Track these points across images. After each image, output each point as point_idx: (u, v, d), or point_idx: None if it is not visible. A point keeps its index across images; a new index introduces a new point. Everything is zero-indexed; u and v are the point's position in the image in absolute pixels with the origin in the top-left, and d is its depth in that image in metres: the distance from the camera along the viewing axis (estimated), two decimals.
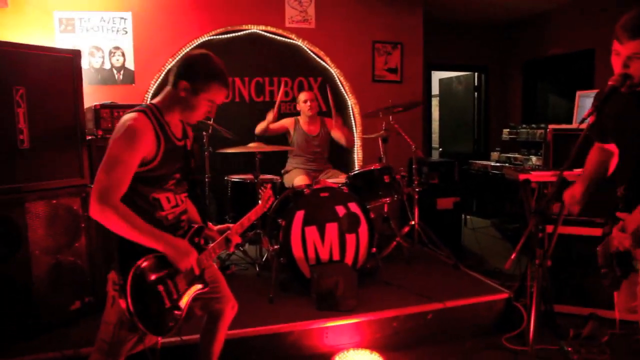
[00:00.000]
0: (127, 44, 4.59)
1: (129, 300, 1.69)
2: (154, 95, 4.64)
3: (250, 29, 4.95)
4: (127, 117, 1.81)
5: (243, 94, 4.99)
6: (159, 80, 4.70)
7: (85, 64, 4.42)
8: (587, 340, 3.00)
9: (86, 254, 3.00)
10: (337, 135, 4.53)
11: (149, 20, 4.66)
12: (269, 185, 2.55)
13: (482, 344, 3.04)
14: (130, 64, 4.61)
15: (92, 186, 1.73)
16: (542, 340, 2.97)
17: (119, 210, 1.68)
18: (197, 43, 4.77)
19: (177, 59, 2.00)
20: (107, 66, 4.55)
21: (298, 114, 4.60)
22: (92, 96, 4.10)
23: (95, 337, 1.87)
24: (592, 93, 3.28)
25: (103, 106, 3.31)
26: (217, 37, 4.84)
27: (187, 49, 4.76)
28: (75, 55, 3.05)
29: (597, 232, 3.27)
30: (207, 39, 4.80)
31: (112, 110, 3.32)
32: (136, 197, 1.82)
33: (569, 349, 2.88)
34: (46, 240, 2.81)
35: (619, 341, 3.04)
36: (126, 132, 1.76)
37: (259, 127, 4.45)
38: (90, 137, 3.22)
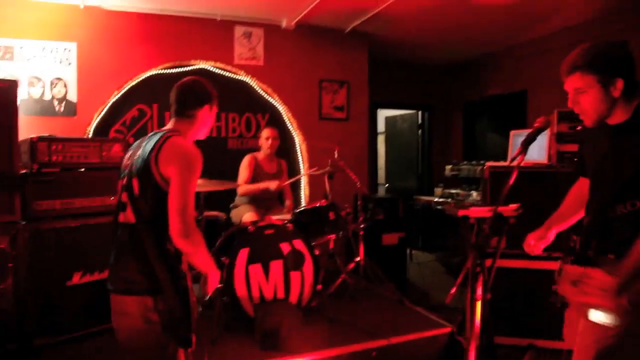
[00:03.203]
0: (70, 75, 4.48)
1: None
2: (97, 129, 4.53)
3: (199, 64, 4.96)
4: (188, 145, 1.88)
5: None
6: (103, 112, 4.59)
7: (24, 94, 4.27)
8: None
9: (12, 297, 2.81)
10: (285, 183, 4.47)
11: (96, 51, 4.59)
12: None
13: None
14: (72, 96, 4.50)
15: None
16: None
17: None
18: (144, 76, 4.72)
19: (175, 90, 2.02)
20: (48, 97, 4.41)
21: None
22: (29, 127, 3.95)
23: None
24: (524, 132, 3.47)
25: (41, 139, 3.18)
26: (165, 71, 4.79)
27: (134, 82, 4.70)
28: (12, 85, 2.94)
29: (533, 264, 3.42)
30: (155, 72, 4.76)
31: (50, 143, 3.19)
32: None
33: None
34: None
35: None
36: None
37: (242, 190, 4.21)
38: (24, 172, 3.07)
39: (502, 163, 3.75)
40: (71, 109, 4.49)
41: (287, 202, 4.32)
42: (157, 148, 1.81)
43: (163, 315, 1.79)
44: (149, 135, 1.96)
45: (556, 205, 3.32)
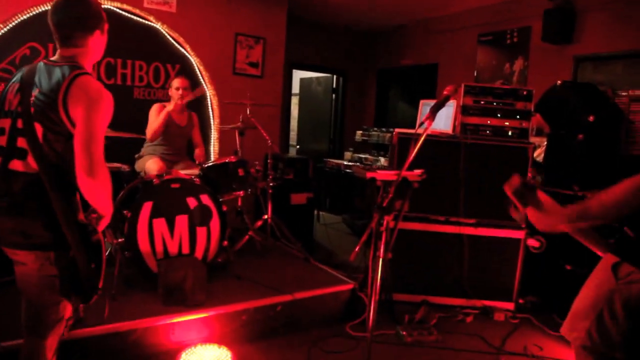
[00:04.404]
0: None
1: None
2: None
3: (104, 4, 4.54)
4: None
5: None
6: None
7: None
8: (419, 324, 3.31)
9: None
10: (196, 135, 4.33)
11: None
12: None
13: (328, 333, 3.17)
14: None
15: None
16: (381, 326, 3.20)
17: None
18: (38, 11, 4.25)
19: (55, 13, 1.81)
20: None
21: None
22: None
23: None
24: (433, 102, 3.62)
25: None
26: None
27: (25, 17, 4.22)
28: None
29: (431, 227, 3.64)
30: (49, 8, 4.29)
31: None
32: None
33: (404, 332, 3.15)
34: None
35: (444, 322, 3.42)
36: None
37: (149, 132, 3.96)
38: None
39: (409, 130, 3.90)
40: None
41: (197, 151, 4.17)
42: (65, 88, 1.64)
43: (63, 270, 1.69)
44: (38, 67, 1.74)
45: (456, 173, 3.57)
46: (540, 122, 4.12)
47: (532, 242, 3.60)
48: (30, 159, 1.65)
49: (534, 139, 3.79)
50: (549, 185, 3.96)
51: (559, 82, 3.90)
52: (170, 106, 3.96)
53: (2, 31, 4.17)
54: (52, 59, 1.79)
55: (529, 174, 3.60)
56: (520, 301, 3.67)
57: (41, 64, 1.76)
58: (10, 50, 4.21)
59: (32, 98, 1.67)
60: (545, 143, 4.10)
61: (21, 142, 1.66)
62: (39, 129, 1.65)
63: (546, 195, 1.71)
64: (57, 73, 1.68)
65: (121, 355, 2.62)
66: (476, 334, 3.29)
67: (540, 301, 3.72)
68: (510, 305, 3.64)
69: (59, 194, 1.64)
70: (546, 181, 3.96)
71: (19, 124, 1.68)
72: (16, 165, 1.67)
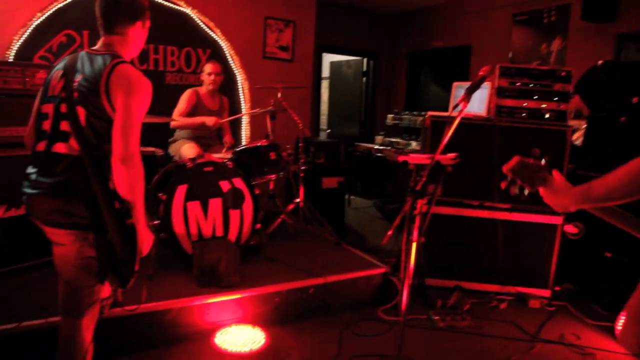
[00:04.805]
0: None
1: None
2: (19, 55, 4.15)
3: None
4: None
5: None
6: (25, 36, 4.18)
7: None
8: (452, 309, 3.28)
9: None
10: (223, 133, 4.35)
11: None
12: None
13: (360, 316, 3.18)
14: None
15: None
16: (413, 310, 3.19)
17: None
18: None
19: (100, 2, 1.83)
20: None
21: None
22: None
23: None
24: (467, 84, 3.54)
25: None
26: None
27: (61, 5, 4.30)
28: None
29: (464, 212, 3.58)
30: None
31: None
32: None
33: (436, 317, 3.13)
34: None
35: (478, 308, 3.38)
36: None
37: (177, 121, 3.99)
38: None
39: (442, 113, 3.83)
40: None
41: (226, 138, 4.20)
42: (107, 74, 1.69)
43: (101, 252, 1.73)
44: (81, 55, 1.79)
45: (490, 157, 3.49)
46: (579, 104, 3.98)
47: (570, 228, 3.50)
48: (73, 141, 1.69)
49: (572, 122, 3.66)
50: (587, 170, 3.85)
51: (600, 62, 3.76)
52: (209, 120, 3.95)
53: (40, 20, 4.26)
54: (94, 47, 1.85)
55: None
56: (557, 288, 3.59)
57: (84, 52, 1.81)
58: (47, 38, 4.30)
59: (75, 83, 1.71)
60: (585, 126, 3.97)
61: (64, 126, 1.71)
62: (81, 112, 1.69)
63: (560, 174, 1.63)
64: (99, 60, 1.73)
65: (157, 334, 2.69)
66: (510, 320, 3.24)
67: (577, 289, 3.64)
68: (546, 293, 3.57)
69: (99, 176, 1.68)
70: (584, 165, 3.84)
71: (63, 108, 1.72)
72: (59, 147, 1.71)
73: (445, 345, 2.92)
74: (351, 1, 7.09)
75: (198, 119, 3.99)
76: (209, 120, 3.96)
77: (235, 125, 5.15)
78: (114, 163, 1.66)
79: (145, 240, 1.80)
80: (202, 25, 5.01)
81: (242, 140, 5.27)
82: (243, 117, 5.23)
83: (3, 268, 2.96)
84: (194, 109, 4.06)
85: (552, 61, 5.39)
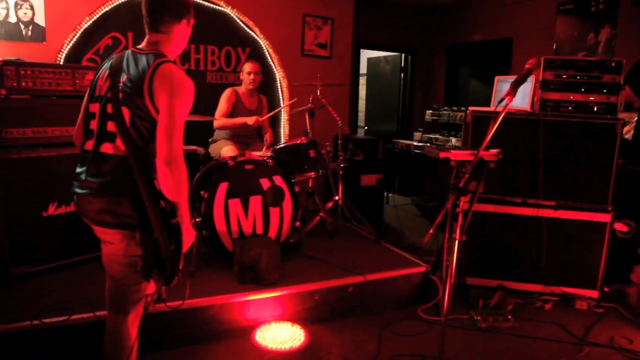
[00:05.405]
0: None
1: None
2: (69, 57, 4.31)
3: None
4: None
5: None
6: (74, 39, 4.34)
7: None
8: (494, 309, 3.21)
9: None
10: (263, 131, 4.38)
11: None
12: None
13: (399, 315, 3.15)
14: (40, 20, 4.22)
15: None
16: (454, 310, 3.13)
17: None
18: (117, 2, 4.46)
19: (147, 1, 1.86)
20: (13, 19, 4.12)
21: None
22: None
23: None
24: (510, 78, 3.44)
25: (7, 62, 2.97)
26: None
27: (108, 8, 4.44)
28: None
29: (506, 209, 3.49)
30: None
31: (18, 67, 2.99)
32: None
33: (478, 317, 3.06)
34: None
35: (521, 309, 3.29)
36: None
37: (219, 122, 4.08)
38: None
39: (485, 108, 3.74)
40: (40, 34, 4.23)
41: (267, 136, 4.24)
42: (150, 75, 1.71)
43: (147, 251, 1.77)
44: (126, 54, 1.82)
45: (535, 153, 3.38)
46: (630, 96, 3.82)
47: (620, 227, 3.36)
48: (119, 142, 1.73)
49: (622, 115, 3.51)
50: (638, 165, 3.68)
51: None
52: (250, 120, 4.01)
53: (88, 24, 4.41)
54: (139, 46, 1.87)
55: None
56: (606, 289, 3.46)
57: (129, 51, 1.83)
58: (94, 41, 4.46)
59: (121, 84, 1.74)
60: (636, 119, 3.80)
61: (110, 126, 1.75)
62: (126, 113, 1.72)
63: None
64: (143, 60, 1.75)
65: (199, 329, 2.75)
66: (556, 322, 3.14)
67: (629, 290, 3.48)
68: (594, 294, 3.44)
69: (144, 177, 1.71)
70: (635, 160, 3.67)
71: (109, 108, 1.76)
72: (106, 148, 1.75)
73: (487, 346, 2.85)
74: None
75: (239, 120, 4.04)
76: (250, 120, 4.01)
77: (275, 123, 5.19)
78: (158, 165, 1.68)
79: (188, 237, 1.82)
80: (242, 24, 5.07)
81: (282, 138, 5.31)
82: (282, 115, 5.26)
83: (54, 262, 3.09)
84: (234, 108, 4.13)
85: (600, 51, 5.18)
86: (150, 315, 2.34)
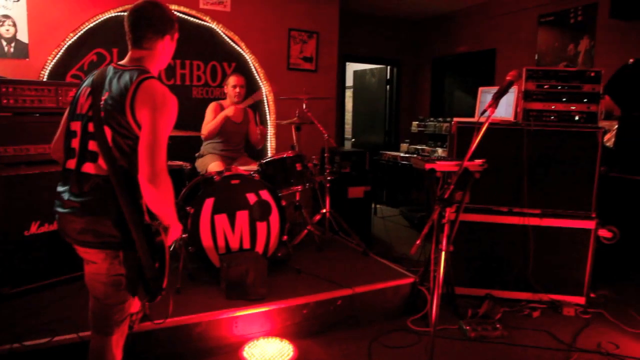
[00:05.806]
0: (19, 13, 4.16)
1: None
2: (52, 74, 4.28)
3: None
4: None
5: None
6: (58, 56, 4.33)
7: None
8: (483, 319, 3.21)
9: None
10: (252, 129, 4.39)
11: None
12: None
13: (389, 327, 3.14)
14: (23, 36, 4.20)
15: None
16: (443, 320, 3.14)
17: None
18: (102, 18, 4.46)
19: (130, 16, 1.87)
20: None
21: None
22: None
23: None
24: (493, 89, 3.49)
25: None
26: (125, 13, 4.51)
27: (92, 25, 4.43)
28: None
29: (493, 219, 3.52)
30: (113, 14, 4.49)
31: (0, 85, 2.97)
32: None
33: (467, 327, 3.06)
34: None
35: (509, 317, 3.30)
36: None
37: (205, 130, 4.09)
38: None
39: (469, 119, 3.77)
40: (22, 51, 4.21)
41: (255, 129, 4.24)
42: (132, 92, 1.68)
43: (130, 270, 1.74)
44: (108, 71, 1.80)
45: (519, 162, 3.42)
46: (610, 105, 3.89)
47: (604, 233, 3.40)
48: (101, 161, 1.70)
49: (603, 123, 3.57)
50: (620, 172, 3.74)
51: (631, 60, 3.66)
52: (228, 111, 4.04)
53: (72, 40, 4.39)
54: (121, 62, 1.85)
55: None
56: (592, 295, 3.49)
57: (111, 67, 1.82)
58: (79, 57, 4.44)
59: (102, 102, 1.72)
60: (616, 127, 3.86)
61: (92, 145, 1.72)
62: (108, 132, 1.69)
63: None
64: (126, 77, 1.73)
65: (186, 347, 2.71)
66: (544, 329, 3.15)
67: (614, 295, 3.52)
68: (580, 300, 3.46)
69: (127, 196, 1.69)
70: (617, 167, 3.73)
71: (90, 127, 1.73)
72: (88, 167, 1.73)
73: (477, 356, 2.85)
74: (373, 10, 7.09)
75: (220, 116, 4.04)
76: (229, 111, 4.03)
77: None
78: (141, 182, 1.65)
79: (174, 231, 1.81)
80: (227, 39, 5.08)
81: (268, 152, 5.31)
82: (269, 129, 5.26)
83: (37, 283, 3.04)
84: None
85: (580, 62, 5.27)
86: (136, 334, 2.31)
